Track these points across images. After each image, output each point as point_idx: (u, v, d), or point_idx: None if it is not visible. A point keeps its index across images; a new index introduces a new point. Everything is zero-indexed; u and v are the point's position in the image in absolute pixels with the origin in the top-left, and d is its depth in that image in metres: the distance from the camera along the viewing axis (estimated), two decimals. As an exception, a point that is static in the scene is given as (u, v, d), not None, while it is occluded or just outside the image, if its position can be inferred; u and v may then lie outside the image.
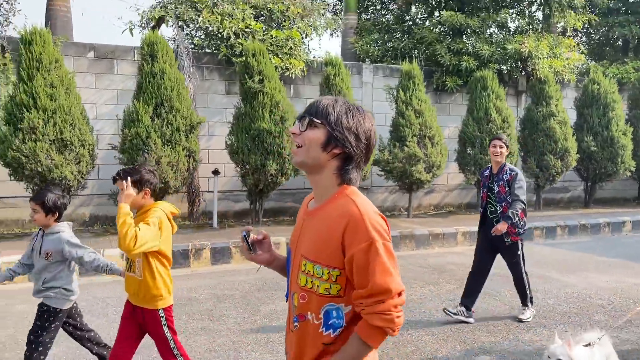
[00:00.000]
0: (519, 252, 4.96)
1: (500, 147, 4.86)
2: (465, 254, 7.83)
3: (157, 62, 8.07)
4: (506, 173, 4.84)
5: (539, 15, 13.04)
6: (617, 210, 11.58)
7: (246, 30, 9.68)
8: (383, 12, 14.01)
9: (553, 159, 10.92)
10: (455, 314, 4.85)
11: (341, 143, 1.60)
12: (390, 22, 13.02)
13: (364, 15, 14.27)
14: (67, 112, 7.50)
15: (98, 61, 9.28)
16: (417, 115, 9.87)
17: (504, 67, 11.57)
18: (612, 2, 14.24)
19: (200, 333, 4.58)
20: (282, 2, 10.22)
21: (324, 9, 11.29)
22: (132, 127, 7.83)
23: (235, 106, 9.11)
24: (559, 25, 13.14)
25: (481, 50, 11.15)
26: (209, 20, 9.51)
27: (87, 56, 9.20)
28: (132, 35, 10.84)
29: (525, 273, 4.99)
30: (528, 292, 4.97)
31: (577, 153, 11.25)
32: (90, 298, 5.57)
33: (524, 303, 4.99)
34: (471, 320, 4.87)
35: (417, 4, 12.40)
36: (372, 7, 14.39)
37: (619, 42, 15.89)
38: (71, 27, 10.35)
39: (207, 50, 10.19)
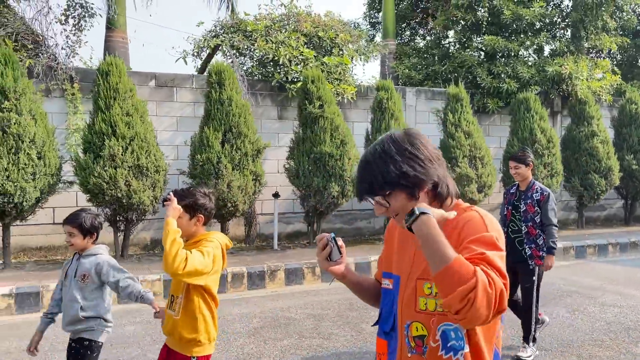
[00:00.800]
0: (534, 278, 4.52)
1: (516, 167, 4.60)
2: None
3: (225, 89, 8.36)
4: (537, 192, 4.55)
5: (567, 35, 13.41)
6: (660, 227, 11.73)
7: (299, 57, 10.01)
8: (418, 38, 14.38)
9: (597, 178, 11.12)
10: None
11: (418, 186, 1.54)
12: (429, 46, 13.39)
13: (398, 40, 14.65)
14: (143, 139, 7.76)
15: (158, 89, 9.60)
16: (467, 136, 10.12)
17: (542, 89, 11.84)
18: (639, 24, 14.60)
19: (321, 350, 4.74)
20: (331, 30, 10.57)
21: (367, 35, 11.65)
22: (203, 153, 8.08)
23: (294, 131, 9.38)
24: (585, 45, 13.49)
25: (521, 72, 11.45)
26: (264, 49, 9.84)
27: (148, 84, 9.51)
28: (186, 64, 11.28)
29: (536, 306, 4.53)
30: (533, 327, 4.51)
31: (619, 171, 11.45)
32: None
33: (526, 339, 4.52)
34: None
35: (456, 29, 12.74)
36: (406, 33, 14.77)
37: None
38: (129, 58, 10.70)
39: (259, 77, 10.52)
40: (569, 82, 11.57)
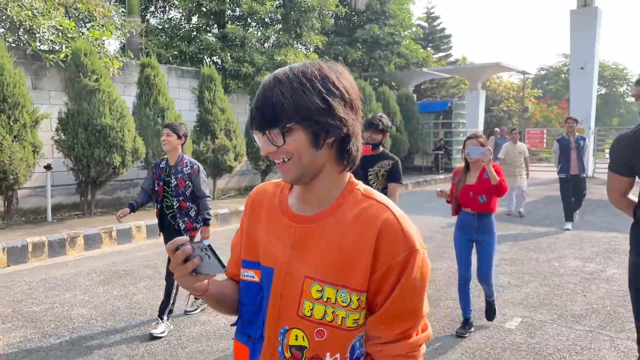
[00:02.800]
0: None
1: (168, 134, 4.33)
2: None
3: (-6, 57, 7.93)
4: (186, 166, 4.43)
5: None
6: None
7: (58, 27, 9.87)
8: (165, 17, 15.04)
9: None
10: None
11: (329, 128, 1.16)
12: (174, 26, 14.28)
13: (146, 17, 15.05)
14: None
15: None
16: (222, 112, 11.75)
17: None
18: (335, 26, 18.54)
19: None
20: (89, 2, 10.63)
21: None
22: (-24, 124, 7.59)
23: (65, 102, 9.36)
24: (302, 40, 16.54)
25: (256, 59, 13.63)
26: (20, 16, 9.37)
27: None
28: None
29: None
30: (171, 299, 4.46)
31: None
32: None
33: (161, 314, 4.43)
34: None
35: (199, 16, 14.04)
36: (153, 12, 15.22)
37: (339, 59, 20.59)
38: None
39: (10, 43, 9.87)
40: (290, 69, 14.29)
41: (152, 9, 15.92)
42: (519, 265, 6.60)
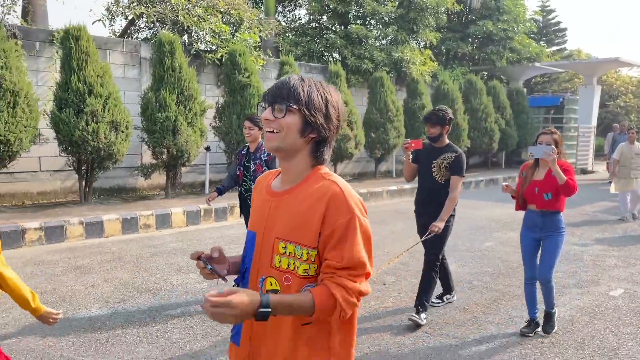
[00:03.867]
0: None
1: (250, 127, 4.74)
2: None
3: (176, 58, 9.82)
4: (264, 153, 4.75)
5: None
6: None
7: (216, 31, 11.69)
8: (292, 17, 16.75)
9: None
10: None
11: (317, 127, 1.56)
12: (304, 27, 15.91)
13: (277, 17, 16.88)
14: (115, 98, 8.92)
15: (92, 51, 10.39)
16: (346, 104, 13.10)
17: (389, 69, 15.45)
18: (448, 23, 19.28)
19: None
20: (239, 8, 12.40)
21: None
22: (163, 112, 9.50)
23: (222, 95, 11.20)
24: (418, 38, 17.44)
25: (376, 56, 14.83)
26: (189, 22, 11.29)
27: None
28: (105, 27, 11.81)
29: None
30: None
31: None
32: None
33: None
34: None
35: (327, 15, 15.51)
36: (281, 11, 17.00)
37: (450, 54, 21.25)
38: (47, 17, 10.97)
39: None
40: (406, 65, 15.34)
41: (281, 9, 17.63)
42: (627, 252, 7.28)
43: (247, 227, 1.76)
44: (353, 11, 15.05)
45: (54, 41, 9.65)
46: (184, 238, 7.73)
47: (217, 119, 11.08)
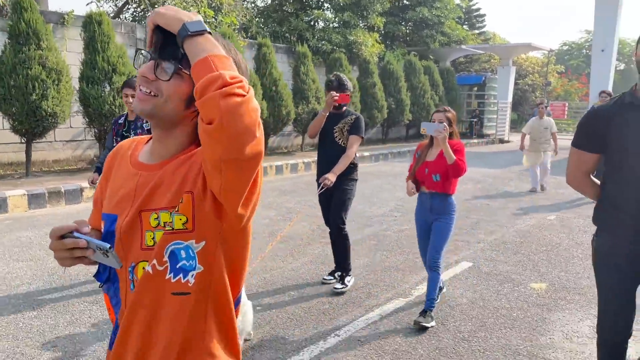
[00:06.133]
0: None
1: (131, 95, 4.19)
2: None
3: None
4: (146, 121, 4.64)
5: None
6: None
7: (202, 15, 12.99)
8: (254, 3, 18.13)
9: (376, 112, 17.40)
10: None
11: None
12: (270, 10, 17.38)
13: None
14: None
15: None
16: (312, 82, 14.91)
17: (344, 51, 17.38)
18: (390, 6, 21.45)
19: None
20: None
21: None
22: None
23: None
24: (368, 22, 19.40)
25: (334, 38, 16.69)
26: (179, 5, 12.52)
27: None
28: (98, 7, 12.70)
29: None
30: None
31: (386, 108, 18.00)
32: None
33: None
34: None
35: (289, 2, 17.08)
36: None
37: (389, 36, 23.49)
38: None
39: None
40: (358, 46, 17.35)
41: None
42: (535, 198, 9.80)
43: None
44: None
45: (65, 23, 10.63)
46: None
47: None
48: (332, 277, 4.76)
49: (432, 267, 3.96)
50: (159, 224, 1.23)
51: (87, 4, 11.42)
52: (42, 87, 8.66)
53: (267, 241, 6.08)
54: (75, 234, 1.18)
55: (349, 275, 4.67)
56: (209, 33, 1.12)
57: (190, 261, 1.22)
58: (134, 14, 13.81)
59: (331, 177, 4.37)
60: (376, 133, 19.87)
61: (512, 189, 10.63)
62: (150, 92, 1.22)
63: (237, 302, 1.35)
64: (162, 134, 1.29)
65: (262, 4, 17.99)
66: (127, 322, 1.27)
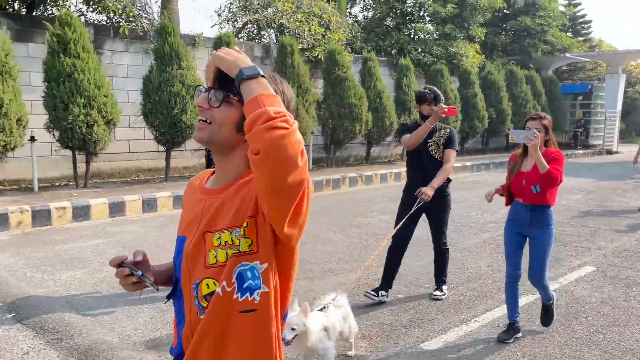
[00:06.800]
0: None
1: None
2: (471, 176, 13.64)
3: (295, 57, 12.02)
4: None
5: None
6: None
7: (313, 33, 13.87)
8: (355, 17, 18.98)
9: (477, 122, 17.41)
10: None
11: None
12: (372, 25, 18.11)
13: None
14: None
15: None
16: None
17: (445, 62, 17.61)
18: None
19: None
20: (330, 14, 14.55)
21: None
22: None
23: (322, 87, 13.40)
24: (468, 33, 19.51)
25: (435, 50, 16.99)
26: (298, 27, 13.45)
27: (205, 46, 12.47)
28: (220, 29, 14.01)
29: None
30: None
31: (487, 118, 17.95)
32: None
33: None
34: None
35: (392, 16, 17.67)
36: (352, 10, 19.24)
37: (488, 46, 23.35)
38: (179, 20, 13.17)
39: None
40: (459, 58, 17.49)
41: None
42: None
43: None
44: (415, 12, 17.21)
45: (196, 45, 11.87)
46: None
47: (320, 109, 13.25)
48: (375, 294, 4.52)
49: (539, 286, 3.89)
50: (220, 243, 1.36)
51: (212, 27, 12.71)
52: (182, 102, 9.80)
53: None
54: (125, 263, 1.41)
55: (445, 284, 4.81)
56: (262, 76, 1.26)
57: (256, 280, 1.34)
58: (249, 33, 14.97)
59: (429, 192, 4.29)
60: (475, 143, 19.79)
61: (628, 199, 10.36)
62: (206, 120, 1.38)
63: (284, 318, 1.47)
64: (221, 159, 1.43)
65: (364, 20, 18.66)
66: (196, 345, 1.37)
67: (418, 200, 4.32)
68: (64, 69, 8.56)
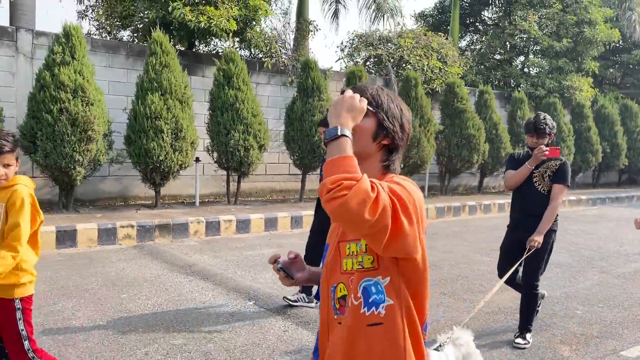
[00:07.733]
0: None
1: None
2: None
3: (418, 90, 12.71)
4: None
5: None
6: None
7: (432, 66, 14.53)
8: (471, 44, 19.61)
9: (590, 156, 17.16)
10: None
11: (391, 134, 1.55)
12: (481, 56, 18.58)
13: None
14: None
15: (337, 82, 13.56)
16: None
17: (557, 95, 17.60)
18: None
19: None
20: (444, 46, 15.19)
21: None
22: (413, 132, 12.41)
23: (441, 118, 13.98)
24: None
25: (548, 83, 17.06)
26: (418, 61, 14.20)
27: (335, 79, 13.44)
28: (345, 64, 15.06)
29: None
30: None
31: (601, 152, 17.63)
32: None
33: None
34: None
35: (505, 50, 18.03)
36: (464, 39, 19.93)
37: (599, 79, 22.95)
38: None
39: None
40: (572, 91, 17.42)
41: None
42: None
43: None
44: (528, 46, 17.46)
45: (327, 78, 12.90)
46: (452, 226, 10.42)
47: (439, 139, 13.79)
48: (525, 341, 4.25)
49: None
50: (350, 252, 1.53)
51: (336, 61, 13.76)
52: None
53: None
54: (278, 261, 1.71)
55: (530, 332, 4.31)
56: (343, 135, 1.41)
57: (380, 295, 1.46)
58: (369, 67, 15.86)
59: (538, 239, 4.08)
60: (585, 177, 19.40)
61: None
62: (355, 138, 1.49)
63: (425, 328, 1.57)
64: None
65: (476, 53, 19.11)
66: (330, 357, 1.53)
67: (527, 249, 4.11)
68: (228, 99, 9.77)
